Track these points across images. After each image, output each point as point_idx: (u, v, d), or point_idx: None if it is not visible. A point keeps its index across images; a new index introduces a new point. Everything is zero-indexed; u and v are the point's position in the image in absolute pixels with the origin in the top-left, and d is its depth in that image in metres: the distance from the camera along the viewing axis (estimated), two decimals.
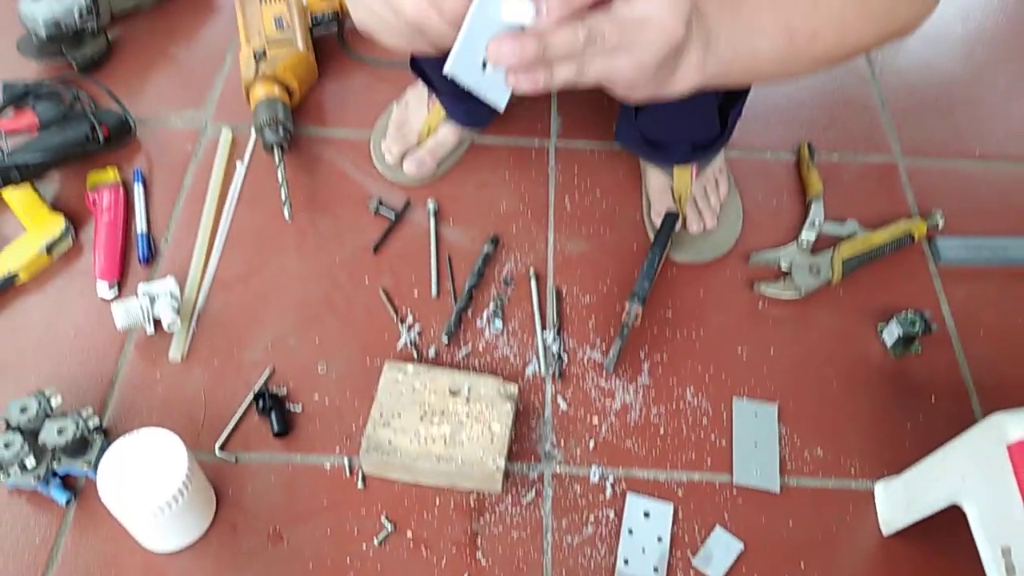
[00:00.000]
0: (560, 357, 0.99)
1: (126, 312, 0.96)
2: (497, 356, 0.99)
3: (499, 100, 0.54)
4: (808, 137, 1.23)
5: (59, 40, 1.23)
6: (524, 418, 0.95)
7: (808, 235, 1.09)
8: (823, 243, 1.08)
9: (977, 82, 1.34)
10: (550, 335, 1.00)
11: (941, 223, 1.11)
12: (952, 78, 1.35)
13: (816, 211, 1.12)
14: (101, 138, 1.12)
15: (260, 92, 1.14)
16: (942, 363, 1.01)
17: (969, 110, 1.30)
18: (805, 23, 0.61)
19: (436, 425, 0.90)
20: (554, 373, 0.98)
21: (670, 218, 1.05)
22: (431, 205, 1.11)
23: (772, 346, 1.02)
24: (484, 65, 0.51)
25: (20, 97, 1.18)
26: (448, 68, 0.51)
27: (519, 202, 1.13)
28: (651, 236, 1.09)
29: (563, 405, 0.96)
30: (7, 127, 1.14)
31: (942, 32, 1.42)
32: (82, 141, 1.11)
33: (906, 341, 0.99)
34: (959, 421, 0.91)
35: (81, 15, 1.23)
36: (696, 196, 1.11)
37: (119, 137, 1.16)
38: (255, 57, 1.17)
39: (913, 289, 1.07)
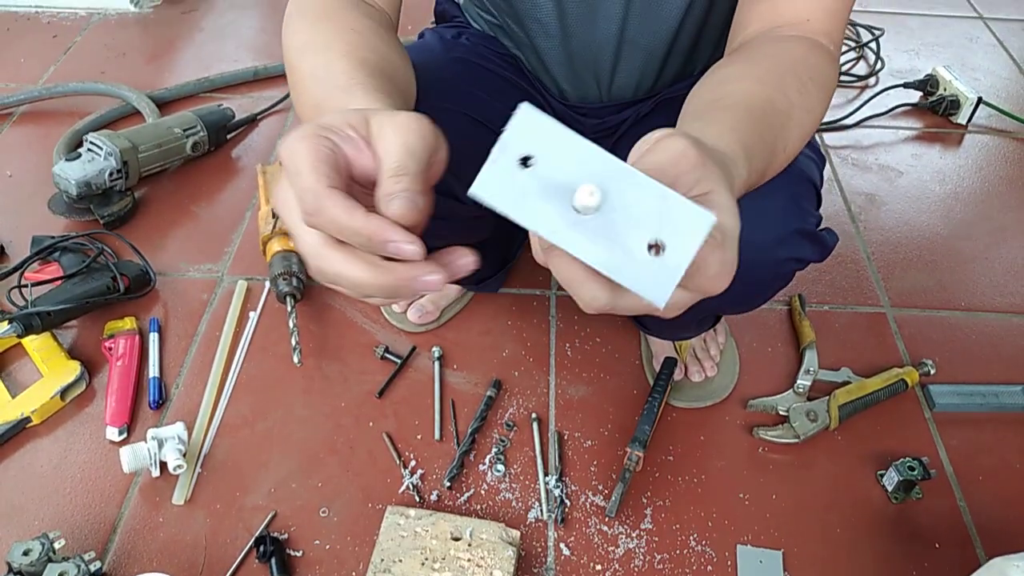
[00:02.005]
0: (562, 502, 0.99)
1: (134, 455, 0.97)
2: (499, 500, 0.99)
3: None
4: (798, 289, 1.28)
5: (88, 199, 1.31)
6: (526, 564, 0.94)
7: (804, 382, 1.11)
8: (819, 390, 1.11)
9: (957, 238, 1.41)
10: (552, 480, 1.01)
11: (933, 371, 1.14)
12: (933, 234, 1.42)
13: (810, 359, 1.15)
14: (122, 289, 1.17)
15: (276, 246, 1.20)
16: (944, 509, 1.01)
17: (952, 264, 1.36)
18: (785, 149, 0.62)
19: (437, 571, 0.89)
20: (556, 518, 0.98)
21: (669, 363, 1.09)
22: (435, 351, 1.15)
23: (774, 492, 1.02)
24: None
25: (47, 250, 1.25)
26: (474, 192, 0.41)
27: (521, 348, 1.17)
28: (651, 381, 1.12)
29: (566, 551, 0.95)
30: (32, 278, 1.20)
31: (921, 192, 1.51)
32: (103, 291, 1.17)
33: (906, 487, 1.00)
34: (964, 567, 0.89)
35: (111, 176, 1.31)
36: (695, 347, 1.14)
37: (139, 288, 1.21)
38: (273, 215, 1.24)
39: (910, 435, 1.09)
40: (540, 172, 0.40)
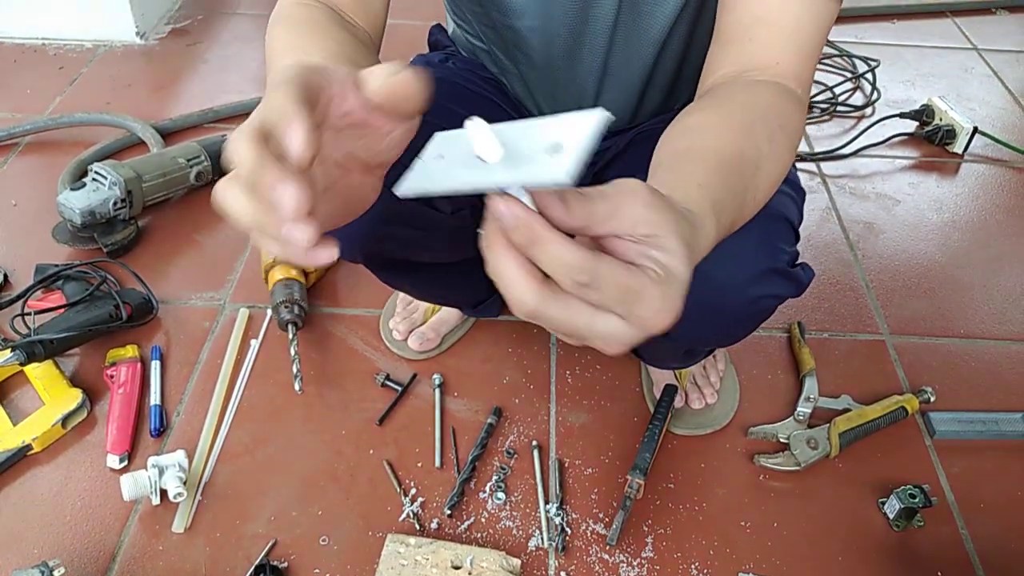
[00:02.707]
0: (563, 530, 0.99)
1: (134, 483, 0.97)
2: (500, 529, 0.99)
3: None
4: (798, 316, 1.29)
5: (92, 228, 1.32)
6: None
7: (804, 409, 1.11)
8: (819, 417, 1.11)
9: (955, 266, 1.42)
10: (553, 507, 1.01)
11: (933, 398, 1.14)
12: (931, 262, 1.43)
13: (810, 386, 1.15)
14: (124, 317, 1.18)
15: (278, 274, 1.21)
16: (946, 536, 1.00)
17: (950, 292, 1.37)
18: (755, 199, 0.62)
19: None
20: (557, 546, 0.97)
21: (670, 390, 1.09)
22: (436, 378, 1.15)
23: (775, 520, 1.02)
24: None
25: (50, 279, 1.25)
26: (401, 191, 0.44)
27: (522, 375, 1.17)
28: (651, 408, 1.12)
29: None
30: (35, 306, 1.20)
31: (918, 221, 1.52)
32: (106, 320, 1.17)
33: (908, 515, 1.00)
34: None
35: (115, 205, 1.33)
36: (696, 374, 1.15)
37: (141, 316, 1.22)
38: None
39: (910, 462, 1.09)
40: (451, 156, 0.45)
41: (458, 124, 0.92)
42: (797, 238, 0.83)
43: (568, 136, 0.41)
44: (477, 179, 0.42)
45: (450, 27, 1.02)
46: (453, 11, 0.97)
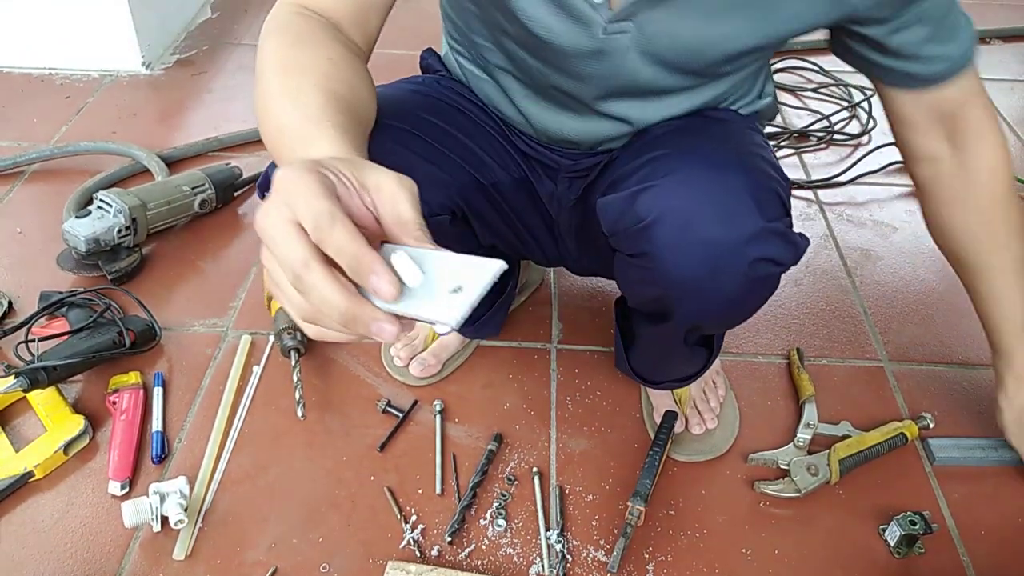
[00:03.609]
0: (564, 557, 0.99)
1: (135, 510, 0.97)
2: (501, 556, 0.99)
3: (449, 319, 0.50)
4: (796, 343, 1.30)
5: (97, 255, 1.33)
6: None
7: (804, 435, 1.12)
8: (819, 443, 1.11)
9: (953, 293, 1.42)
10: (554, 535, 1.01)
11: (932, 424, 1.15)
12: (929, 289, 1.44)
13: (810, 413, 1.15)
14: (127, 343, 1.19)
15: None
16: (947, 564, 1.00)
17: (948, 318, 1.37)
18: None
19: None
20: (558, 574, 0.97)
21: (670, 416, 1.09)
22: (437, 405, 1.15)
23: (776, 546, 1.02)
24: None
25: (54, 305, 1.26)
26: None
27: (522, 401, 1.18)
28: (651, 434, 1.13)
29: None
30: (39, 333, 1.21)
31: (916, 248, 1.53)
32: (109, 346, 1.18)
33: (909, 541, 1.00)
34: None
35: (120, 233, 1.34)
36: (695, 399, 1.15)
37: (145, 343, 1.22)
38: None
39: (911, 488, 1.09)
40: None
41: (439, 137, 0.94)
42: (787, 214, 0.83)
43: (469, 282, 0.50)
44: (398, 307, 0.50)
45: (443, 49, 1.04)
46: (453, 32, 0.97)
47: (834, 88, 2.03)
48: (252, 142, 1.75)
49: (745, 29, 0.78)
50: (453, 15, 0.94)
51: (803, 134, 1.86)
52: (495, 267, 0.50)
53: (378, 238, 0.54)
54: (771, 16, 0.77)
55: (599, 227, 0.88)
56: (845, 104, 1.96)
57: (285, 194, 0.49)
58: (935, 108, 0.89)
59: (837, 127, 1.89)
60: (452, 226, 0.94)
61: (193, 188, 1.46)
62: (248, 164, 1.64)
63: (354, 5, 0.76)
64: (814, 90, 2.02)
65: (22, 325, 1.22)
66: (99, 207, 1.35)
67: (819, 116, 1.91)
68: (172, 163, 1.64)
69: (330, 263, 0.49)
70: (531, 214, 1.04)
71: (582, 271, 1.20)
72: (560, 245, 1.09)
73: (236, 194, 1.58)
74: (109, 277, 1.34)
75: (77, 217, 1.33)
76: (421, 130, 0.91)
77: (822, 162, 1.78)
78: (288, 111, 0.65)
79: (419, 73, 1.07)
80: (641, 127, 0.91)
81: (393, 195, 0.52)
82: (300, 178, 0.49)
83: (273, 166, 0.84)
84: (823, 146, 1.83)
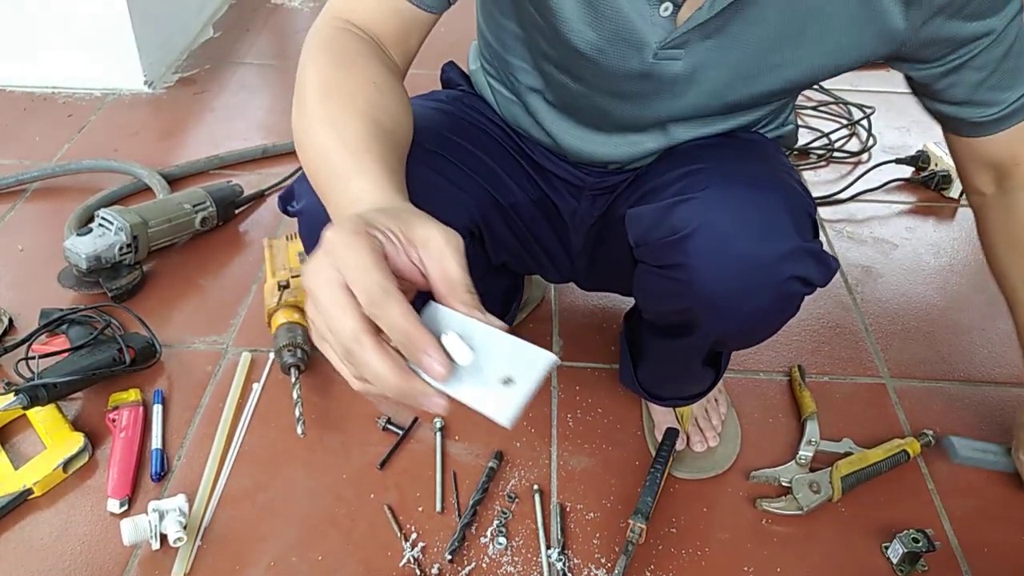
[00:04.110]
0: (565, 575, 0.98)
1: (134, 528, 0.97)
2: (501, 574, 0.98)
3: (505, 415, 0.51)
4: (798, 360, 1.29)
5: (98, 272, 1.33)
6: None
7: (806, 453, 1.11)
8: (820, 461, 1.11)
9: (954, 310, 1.43)
10: (555, 553, 1.00)
11: (934, 442, 1.14)
12: (930, 306, 1.44)
13: (811, 430, 1.15)
14: (128, 361, 1.19)
15: (281, 318, 1.22)
16: None
17: (949, 335, 1.37)
18: None
19: None
20: None
21: (671, 433, 1.09)
22: (437, 422, 1.15)
23: (778, 565, 1.01)
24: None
25: (55, 323, 1.26)
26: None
27: (523, 419, 1.17)
28: (652, 452, 1.12)
29: None
30: (40, 350, 1.21)
31: (916, 265, 1.53)
32: (109, 363, 1.18)
33: (911, 559, 0.99)
34: None
35: (121, 250, 1.34)
36: (697, 416, 1.15)
37: (145, 360, 1.22)
38: (279, 287, 1.26)
39: (913, 505, 1.08)
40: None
41: (461, 157, 0.94)
42: (817, 235, 0.83)
43: (521, 376, 0.51)
44: (448, 387, 0.52)
45: (472, 65, 1.03)
46: (485, 51, 0.97)
47: (834, 106, 2.04)
48: (253, 160, 1.76)
49: (793, 64, 0.79)
50: (489, 36, 0.94)
51: (803, 152, 1.86)
52: (547, 362, 0.51)
53: (424, 290, 0.55)
54: (819, 51, 0.77)
55: (619, 241, 0.88)
56: (845, 122, 1.97)
57: (335, 258, 0.51)
58: (987, 152, 0.89)
59: (837, 145, 1.89)
60: (470, 246, 0.93)
61: (194, 206, 1.47)
62: (249, 182, 1.65)
63: (398, 24, 0.77)
64: (814, 108, 2.03)
65: (23, 342, 1.21)
66: (100, 224, 1.35)
67: (819, 134, 1.92)
68: (173, 181, 1.65)
69: (379, 331, 0.51)
70: (547, 233, 1.04)
71: (592, 287, 1.19)
72: (574, 262, 1.09)
73: (237, 211, 1.59)
74: (110, 294, 1.34)
75: (78, 235, 1.33)
76: (444, 150, 0.91)
77: (822, 180, 1.79)
78: (331, 139, 0.65)
79: (439, 87, 1.07)
80: (672, 145, 0.92)
81: (440, 253, 0.53)
82: (351, 243, 0.51)
83: (302, 181, 0.85)
84: (823, 164, 1.84)
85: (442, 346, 0.51)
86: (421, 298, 0.56)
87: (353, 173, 0.62)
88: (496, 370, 0.51)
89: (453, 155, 0.92)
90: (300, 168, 1.68)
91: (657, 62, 0.78)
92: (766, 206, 0.77)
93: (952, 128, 0.89)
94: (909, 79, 0.86)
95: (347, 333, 0.50)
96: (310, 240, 0.89)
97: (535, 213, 1.01)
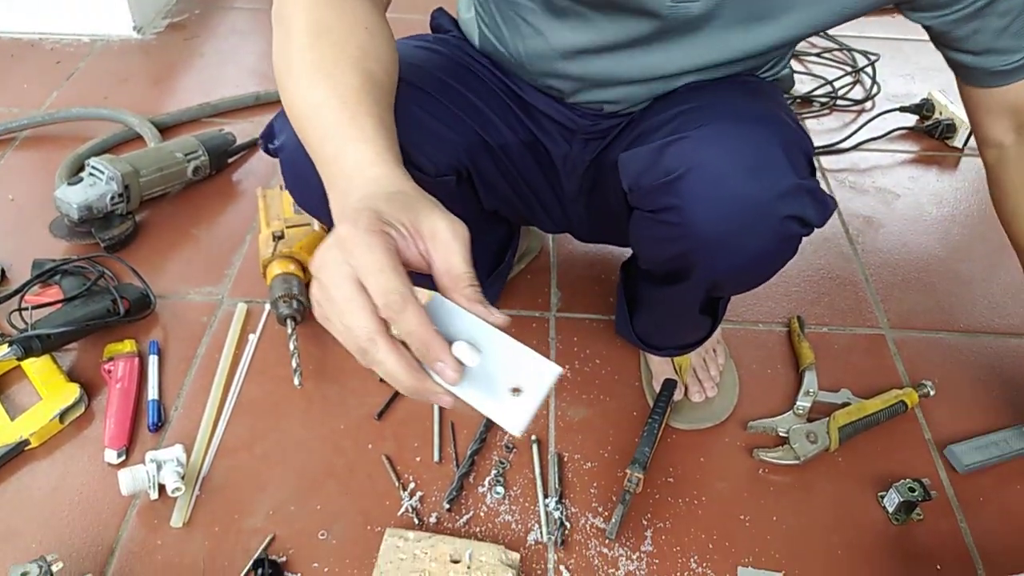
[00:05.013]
0: (562, 524, 0.99)
1: (132, 478, 0.97)
2: (499, 523, 0.99)
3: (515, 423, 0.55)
4: (797, 311, 1.29)
5: (90, 223, 1.32)
6: None
7: (803, 403, 1.11)
8: (818, 411, 1.11)
9: (955, 260, 1.42)
10: (552, 501, 1.01)
11: (932, 392, 1.14)
12: (931, 256, 1.43)
13: (809, 380, 1.15)
14: (122, 311, 1.18)
15: (277, 269, 1.21)
16: (945, 530, 1.00)
17: (950, 286, 1.36)
18: None
19: None
20: (556, 540, 0.97)
21: (669, 384, 1.09)
22: None
23: (774, 513, 1.01)
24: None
25: (47, 273, 1.25)
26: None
27: None
28: (650, 403, 1.12)
29: (566, 574, 0.94)
30: (33, 301, 1.20)
31: (919, 215, 1.52)
32: (103, 314, 1.17)
33: (907, 508, 0.99)
34: None
35: (112, 200, 1.32)
36: (695, 367, 1.14)
37: (139, 311, 1.21)
38: (274, 238, 1.25)
39: (910, 456, 1.09)
40: (442, 330, 0.55)
41: (448, 95, 0.92)
42: (814, 173, 0.82)
43: (529, 387, 0.54)
44: (457, 389, 0.55)
45: (465, 13, 0.99)
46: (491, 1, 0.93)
47: (838, 53, 2.00)
48: (246, 108, 1.73)
49: (807, 6, 0.77)
50: None
51: (806, 99, 1.83)
52: (552, 375, 0.55)
53: (427, 275, 0.56)
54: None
55: (613, 188, 0.86)
56: (849, 69, 1.93)
57: (350, 255, 0.52)
58: (1007, 100, 0.87)
59: (840, 92, 1.86)
60: (457, 187, 0.92)
61: (186, 155, 1.44)
62: (242, 130, 1.62)
63: None
64: (818, 55, 1.99)
65: (15, 293, 1.20)
66: (91, 174, 1.33)
67: (822, 81, 1.88)
68: (165, 129, 1.62)
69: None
70: (537, 178, 1.02)
71: (588, 237, 1.18)
72: (567, 210, 1.07)
73: (230, 160, 1.56)
74: (102, 245, 1.32)
75: (69, 184, 1.31)
76: (431, 88, 0.89)
77: (825, 128, 1.76)
78: (322, 91, 0.64)
79: (429, 33, 1.04)
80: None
81: (446, 246, 0.54)
82: (368, 243, 0.52)
83: (282, 116, 0.83)
84: (826, 112, 1.81)
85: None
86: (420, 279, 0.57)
87: (348, 137, 0.61)
88: (504, 378, 0.55)
89: (441, 94, 0.90)
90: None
91: (675, 5, 0.76)
92: (760, 143, 0.75)
93: (972, 79, 0.87)
94: (929, 29, 0.83)
95: (362, 334, 0.52)
96: (289, 176, 0.88)
97: (525, 155, 0.99)
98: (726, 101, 0.82)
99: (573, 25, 0.83)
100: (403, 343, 0.53)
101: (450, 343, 0.54)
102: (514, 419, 0.54)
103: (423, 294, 0.57)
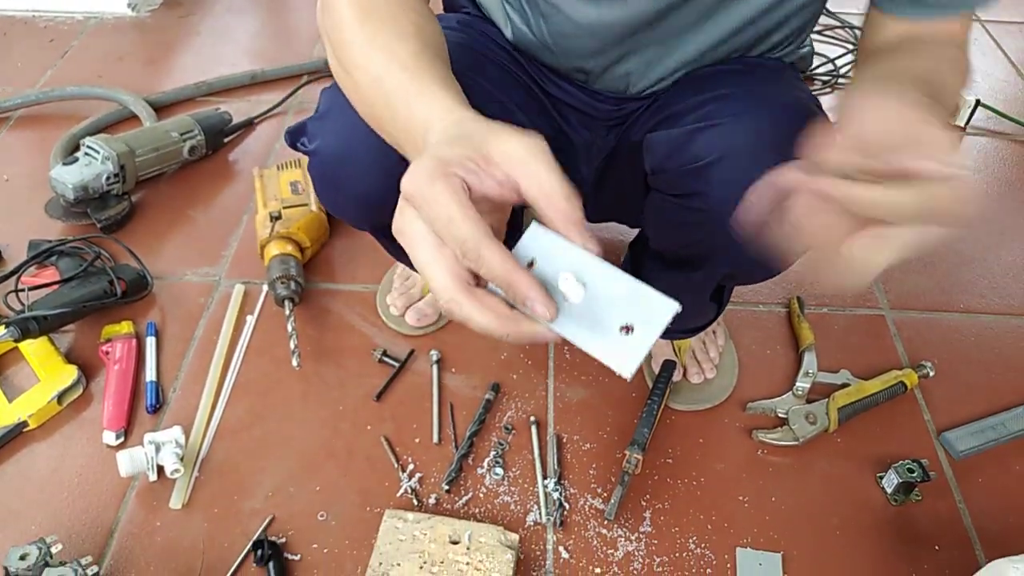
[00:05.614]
0: (561, 505, 0.99)
1: (131, 460, 0.97)
2: (498, 504, 0.99)
3: (625, 366, 0.50)
4: (797, 291, 1.28)
5: (85, 203, 1.31)
6: (525, 568, 0.94)
7: (803, 384, 1.11)
8: (818, 392, 1.11)
9: (955, 240, 1.41)
10: (551, 483, 1.01)
11: (932, 373, 1.14)
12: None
13: (809, 361, 1.15)
14: (119, 293, 1.17)
15: (274, 249, 1.20)
16: (943, 511, 1.00)
17: (950, 266, 1.36)
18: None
19: (435, 575, 0.88)
20: (555, 521, 0.97)
21: (668, 365, 1.08)
22: (434, 354, 1.14)
23: (773, 494, 1.02)
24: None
25: (44, 254, 1.24)
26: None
27: (519, 351, 1.17)
28: (649, 384, 1.12)
29: (564, 554, 0.95)
30: (29, 282, 1.19)
31: None
32: (100, 295, 1.16)
33: (906, 489, 1.00)
34: (963, 569, 0.89)
35: (108, 180, 1.31)
36: (695, 348, 1.14)
37: (136, 292, 1.21)
38: (271, 218, 1.24)
39: (909, 436, 1.09)
40: (539, 270, 0.52)
41: (477, 94, 0.91)
42: None
43: (641, 324, 0.49)
44: (558, 325, 0.50)
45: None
46: None
47: (840, 31, 1.98)
48: (242, 87, 1.71)
49: None
50: None
51: (808, 77, 1.81)
52: (669, 310, 0.49)
53: (520, 204, 0.53)
54: None
55: (629, 169, 0.84)
56: (851, 47, 1.92)
57: (419, 211, 0.50)
58: (916, 35, 0.79)
59: (843, 70, 1.85)
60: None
61: (182, 134, 1.43)
62: (238, 109, 1.60)
63: None
64: (819, 32, 1.97)
65: (11, 274, 1.20)
66: (87, 154, 1.32)
67: (824, 59, 1.87)
68: (160, 108, 1.61)
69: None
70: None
71: (594, 217, 1.17)
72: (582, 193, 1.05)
73: (226, 140, 1.55)
74: (99, 225, 1.31)
75: (64, 164, 1.30)
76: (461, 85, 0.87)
77: (827, 106, 1.72)
78: (382, 62, 0.62)
79: (440, 12, 1.01)
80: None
81: (524, 164, 0.50)
82: (432, 195, 0.49)
83: (316, 121, 0.82)
84: (828, 90, 1.80)
85: (551, 285, 0.51)
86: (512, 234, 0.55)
87: (412, 94, 0.59)
88: (614, 315, 0.50)
89: (468, 92, 0.88)
90: (291, 94, 1.65)
91: None
92: (793, 136, 0.74)
93: (902, 9, 0.78)
94: None
95: (444, 295, 0.50)
96: (320, 182, 0.86)
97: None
98: (758, 89, 0.81)
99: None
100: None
101: (554, 278, 0.51)
102: (623, 360, 0.49)
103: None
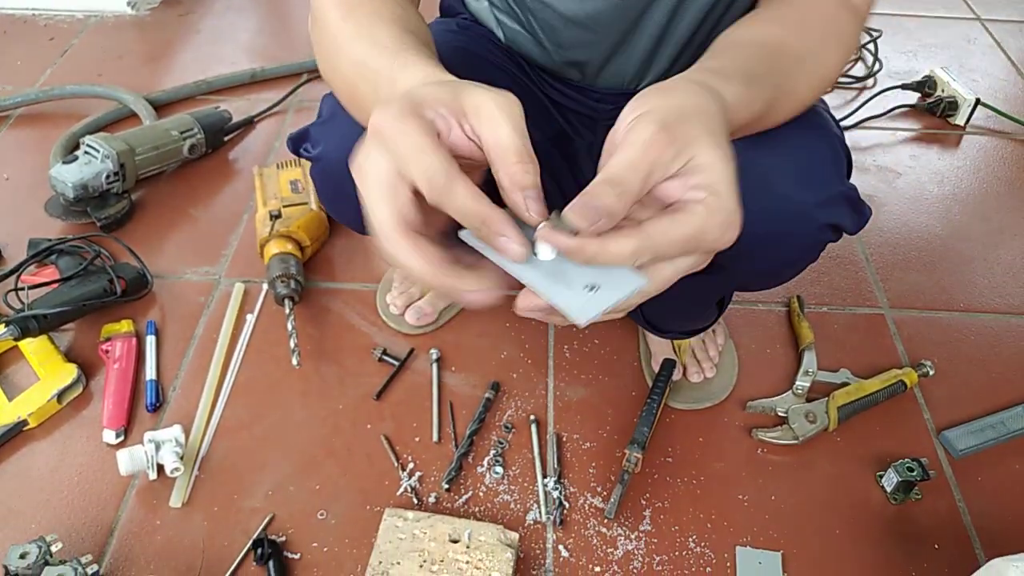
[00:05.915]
0: (561, 504, 0.99)
1: (131, 458, 0.97)
2: (498, 503, 0.99)
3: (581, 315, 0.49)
4: (797, 290, 1.28)
5: (85, 202, 1.31)
6: (525, 566, 0.94)
7: (803, 383, 1.11)
8: (817, 391, 1.11)
9: (956, 239, 1.41)
10: (551, 481, 1.01)
11: (932, 372, 1.14)
12: (932, 236, 1.42)
13: (809, 360, 1.15)
14: (119, 291, 1.17)
15: (274, 248, 1.20)
16: (943, 509, 1.00)
17: (950, 265, 1.36)
18: (793, 92, 0.66)
19: (436, 574, 0.88)
20: (555, 520, 0.97)
21: (668, 364, 1.08)
22: (434, 353, 1.14)
23: (773, 493, 1.02)
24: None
25: (43, 253, 1.24)
26: (462, 235, 0.49)
27: (519, 350, 1.17)
28: (649, 382, 1.12)
29: (564, 553, 0.95)
30: (29, 281, 1.19)
31: (919, 194, 1.51)
32: (100, 294, 1.16)
33: (905, 488, 1.00)
34: (963, 568, 0.89)
35: (108, 179, 1.31)
36: (695, 347, 1.14)
37: (136, 291, 1.21)
38: (271, 217, 1.24)
39: (909, 436, 1.09)
40: None
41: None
42: (850, 175, 0.80)
43: (607, 286, 0.49)
44: (521, 270, 0.49)
45: (476, 3, 0.95)
46: None
47: None
48: (242, 85, 1.71)
49: None
50: None
51: None
52: (637, 282, 0.49)
53: (484, 165, 0.50)
54: None
55: None
56: None
57: (386, 142, 0.47)
58: None
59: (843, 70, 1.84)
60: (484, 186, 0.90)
61: (182, 133, 1.43)
62: (238, 108, 1.60)
63: None
64: None
65: (11, 273, 1.20)
66: (86, 152, 1.32)
67: None
68: (160, 107, 1.61)
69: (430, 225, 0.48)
70: (562, 170, 1.00)
71: None
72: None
73: (226, 139, 1.55)
74: (98, 224, 1.31)
75: (64, 163, 1.30)
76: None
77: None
78: (364, 49, 0.61)
79: (437, 17, 1.02)
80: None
81: (491, 119, 0.48)
82: (401, 128, 0.46)
83: (319, 126, 0.81)
84: (828, 89, 1.79)
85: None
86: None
87: (396, 69, 0.58)
88: (581, 276, 0.49)
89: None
90: (291, 92, 1.65)
91: None
92: (812, 149, 0.73)
93: None
94: None
95: (383, 232, 0.47)
96: (324, 189, 0.86)
97: (551, 151, 0.98)
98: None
99: None
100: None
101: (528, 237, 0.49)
102: (581, 309, 0.48)
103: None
